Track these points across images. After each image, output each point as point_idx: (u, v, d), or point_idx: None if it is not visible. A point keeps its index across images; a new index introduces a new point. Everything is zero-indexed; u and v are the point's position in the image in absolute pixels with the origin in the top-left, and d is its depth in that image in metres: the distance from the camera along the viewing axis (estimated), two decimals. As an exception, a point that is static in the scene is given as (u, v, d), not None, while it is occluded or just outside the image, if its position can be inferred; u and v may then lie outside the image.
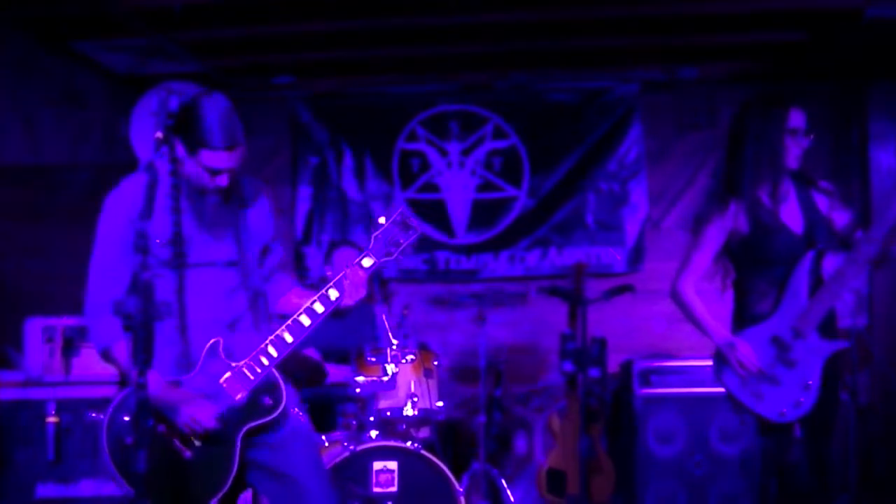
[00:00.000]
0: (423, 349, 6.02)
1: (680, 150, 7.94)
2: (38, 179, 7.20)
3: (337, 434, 5.77)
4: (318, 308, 3.91)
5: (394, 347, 5.77)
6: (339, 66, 7.68)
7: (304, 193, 8.07)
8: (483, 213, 7.92)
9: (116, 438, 3.80)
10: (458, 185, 7.90)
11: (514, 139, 7.90)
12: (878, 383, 7.18)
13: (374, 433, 5.57)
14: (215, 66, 7.47)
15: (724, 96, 7.84)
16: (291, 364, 5.80)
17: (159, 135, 3.60)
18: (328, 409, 6.10)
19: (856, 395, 4.69)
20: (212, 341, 3.84)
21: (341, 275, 3.94)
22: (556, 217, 7.86)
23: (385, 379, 5.68)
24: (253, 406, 3.83)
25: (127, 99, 7.60)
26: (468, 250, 7.91)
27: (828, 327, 4.54)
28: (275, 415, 3.85)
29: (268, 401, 3.85)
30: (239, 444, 3.80)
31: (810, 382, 4.42)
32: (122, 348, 3.83)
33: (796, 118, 4.55)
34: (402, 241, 4.04)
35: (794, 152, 4.56)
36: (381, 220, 4.07)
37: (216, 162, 3.75)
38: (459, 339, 7.59)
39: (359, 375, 5.73)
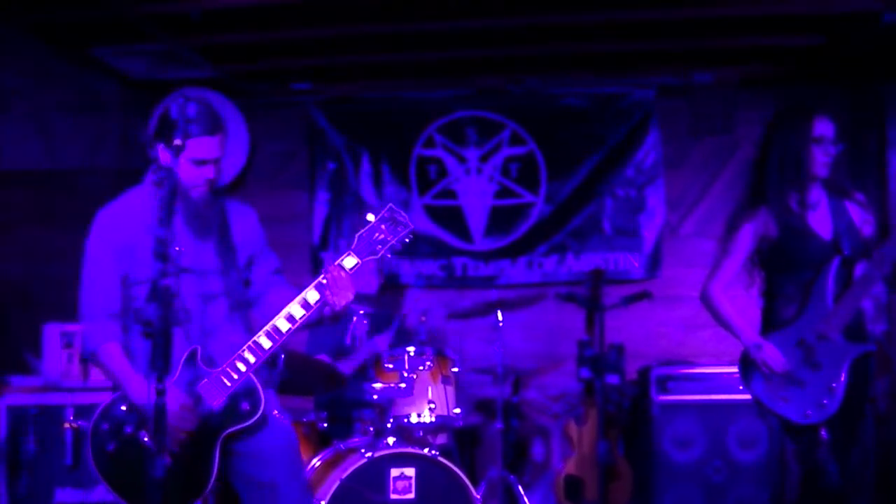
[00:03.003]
0: (440, 355, 6.01)
1: (697, 156, 7.91)
2: (55, 184, 7.25)
3: (354, 440, 5.77)
4: (297, 312, 3.87)
5: (410, 352, 5.78)
6: (355, 71, 7.69)
7: (322, 199, 8.04)
8: (501, 220, 7.89)
9: (99, 446, 3.88)
10: (475, 192, 7.88)
11: (532, 145, 7.88)
12: (898, 389, 7.15)
13: (391, 440, 5.57)
14: (232, 72, 7.48)
15: (741, 101, 7.82)
16: (309, 372, 5.81)
17: (178, 142, 3.61)
18: (345, 415, 6.09)
19: (875, 401, 4.72)
20: (190, 349, 3.87)
21: (321, 277, 3.89)
22: (574, 223, 7.83)
23: (402, 385, 5.67)
24: (231, 412, 3.84)
25: (143, 104, 7.61)
26: (486, 256, 7.88)
27: (856, 331, 4.61)
28: (253, 420, 3.85)
29: (246, 406, 3.84)
30: (218, 449, 3.82)
31: (834, 385, 4.45)
32: (110, 351, 3.95)
33: (822, 127, 4.61)
34: (390, 238, 3.97)
35: (821, 160, 4.62)
36: (370, 216, 4.01)
37: (200, 151, 3.85)
38: (477, 345, 7.57)
39: (375, 381, 5.74)
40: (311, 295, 3.88)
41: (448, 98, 7.98)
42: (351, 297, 3.92)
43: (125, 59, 7.15)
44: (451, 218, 7.92)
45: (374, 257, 3.97)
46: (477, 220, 7.89)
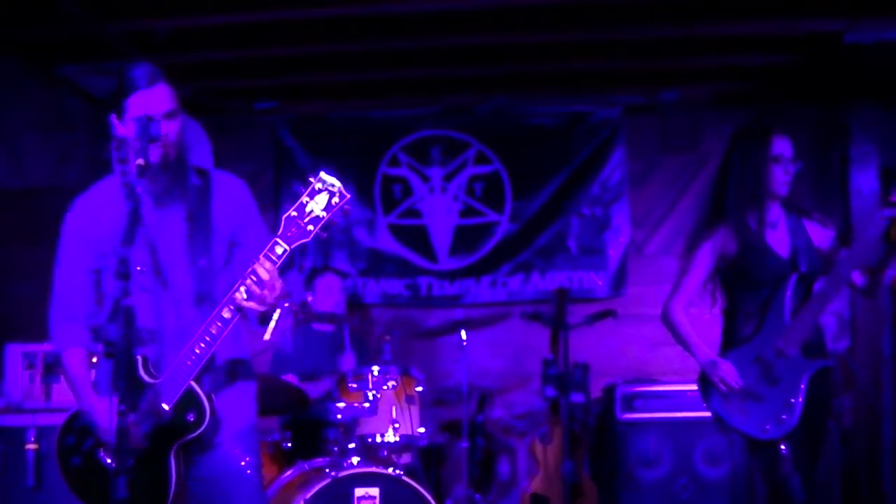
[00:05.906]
0: (405, 375, 6.00)
1: (663, 174, 7.95)
2: (22, 202, 7.19)
3: (319, 460, 5.75)
4: (226, 314, 3.55)
5: (374, 372, 5.78)
6: (322, 90, 7.69)
7: (286, 220, 7.99)
8: (465, 239, 7.91)
9: (66, 460, 3.77)
10: (440, 211, 7.90)
11: (497, 164, 7.90)
12: (862, 405, 7.18)
13: (355, 459, 5.55)
14: (198, 90, 7.45)
15: (707, 119, 7.87)
16: (274, 393, 5.79)
17: (141, 162, 3.50)
18: (310, 434, 6.07)
19: (839, 417, 4.75)
20: (138, 358, 3.61)
21: (248, 272, 3.51)
22: (539, 242, 7.85)
23: (366, 405, 5.66)
24: (178, 423, 3.63)
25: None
26: (451, 276, 7.90)
27: (815, 347, 4.62)
28: (201, 429, 3.63)
29: (191, 417, 3.63)
30: (173, 462, 3.66)
31: (792, 400, 4.47)
32: (72, 358, 3.80)
33: (780, 145, 4.64)
34: (326, 212, 3.44)
35: (780, 179, 4.66)
36: (305, 196, 3.49)
37: (143, 106, 3.57)
38: (442, 364, 7.57)
39: (339, 401, 5.72)
40: (238, 295, 3.52)
41: (413, 117, 8.00)
42: (279, 291, 3.54)
43: (93, 77, 7.13)
44: (416, 237, 7.93)
45: (306, 239, 3.48)
46: (441, 239, 7.90)
